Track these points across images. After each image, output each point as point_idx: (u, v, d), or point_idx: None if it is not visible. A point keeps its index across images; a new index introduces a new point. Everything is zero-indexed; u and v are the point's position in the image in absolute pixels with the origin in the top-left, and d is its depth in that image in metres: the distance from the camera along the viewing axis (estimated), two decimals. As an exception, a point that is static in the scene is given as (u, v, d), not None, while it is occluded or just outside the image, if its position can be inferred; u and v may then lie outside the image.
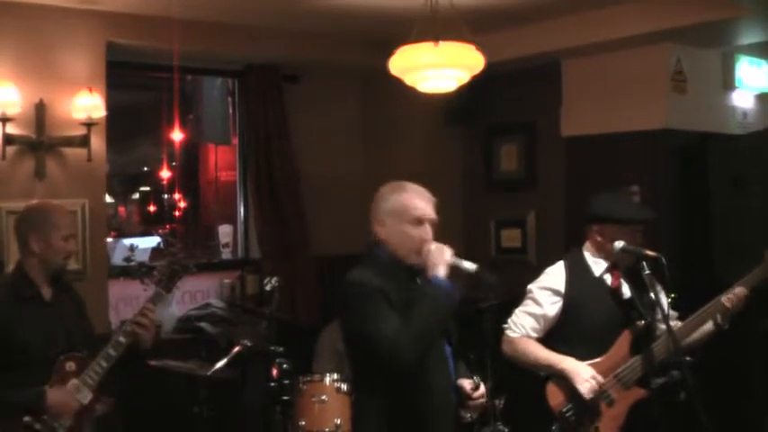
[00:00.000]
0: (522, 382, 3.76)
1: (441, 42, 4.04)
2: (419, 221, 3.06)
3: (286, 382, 4.59)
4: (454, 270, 3.03)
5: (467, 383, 3.21)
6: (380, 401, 3.00)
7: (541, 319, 3.77)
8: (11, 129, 4.87)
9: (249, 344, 4.57)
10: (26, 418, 3.40)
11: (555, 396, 3.69)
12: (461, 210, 6.90)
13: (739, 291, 3.70)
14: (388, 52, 4.20)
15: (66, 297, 3.74)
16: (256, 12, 5.36)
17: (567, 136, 6.13)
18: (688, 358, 3.51)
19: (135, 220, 9.75)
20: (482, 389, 3.21)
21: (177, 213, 8.79)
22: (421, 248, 3.03)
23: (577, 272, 3.77)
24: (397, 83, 4.39)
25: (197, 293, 6.20)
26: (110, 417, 3.72)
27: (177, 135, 7.39)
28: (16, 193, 4.88)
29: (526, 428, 3.84)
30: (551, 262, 3.90)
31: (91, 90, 5.05)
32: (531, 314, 3.77)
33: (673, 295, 3.71)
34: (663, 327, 3.72)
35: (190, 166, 8.91)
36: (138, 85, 7.39)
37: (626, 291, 3.74)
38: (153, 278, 3.80)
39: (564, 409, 3.66)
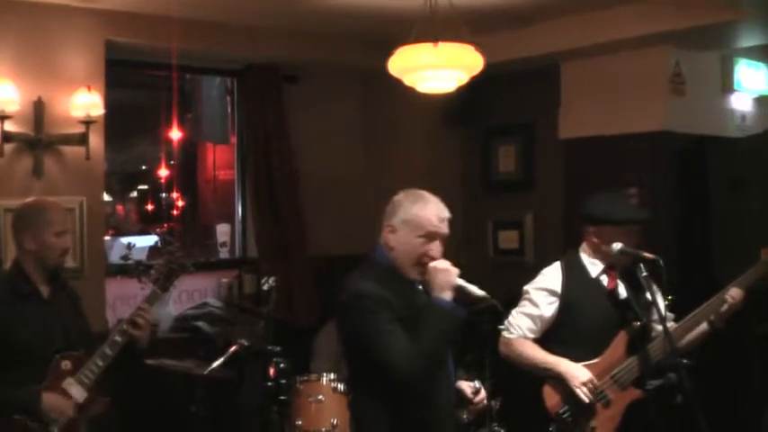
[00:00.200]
0: (518, 383, 3.76)
1: (440, 43, 4.04)
2: (431, 237, 3.02)
3: (283, 381, 4.58)
4: (458, 291, 3.01)
5: (466, 387, 3.21)
6: (383, 409, 2.99)
7: (538, 320, 3.77)
8: (9, 126, 4.87)
9: (246, 343, 4.56)
10: (17, 417, 3.40)
11: (551, 397, 3.70)
12: (459, 210, 6.87)
13: (734, 291, 3.71)
14: (388, 52, 4.20)
15: (63, 294, 3.74)
16: (256, 11, 5.36)
17: (565, 138, 6.13)
18: (685, 360, 3.52)
19: (133, 218, 9.73)
20: (482, 393, 3.22)
21: (175, 212, 8.76)
22: (425, 264, 3.01)
23: (574, 273, 3.78)
24: (397, 83, 4.39)
25: (194, 292, 6.20)
26: (105, 416, 3.71)
27: (176, 134, 7.37)
28: (14, 190, 4.87)
29: (523, 429, 3.84)
30: (549, 263, 3.91)
31: (89, 88, 5.05)
32: (527, 315, 3.77)
33: (670, 297, 3.71)
34: (659, 328, 3.73)
35: (188, 165, 8.89)
36: (136, 84, 7.37)
37: (622, 291, 3.75)
38: (150, 277, 3.80)
39: (560, 410, 3.67)
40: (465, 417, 3.30)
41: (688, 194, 5.65)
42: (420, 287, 3.08)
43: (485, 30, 5.44)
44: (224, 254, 6.64)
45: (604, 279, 3.77)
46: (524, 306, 3.80)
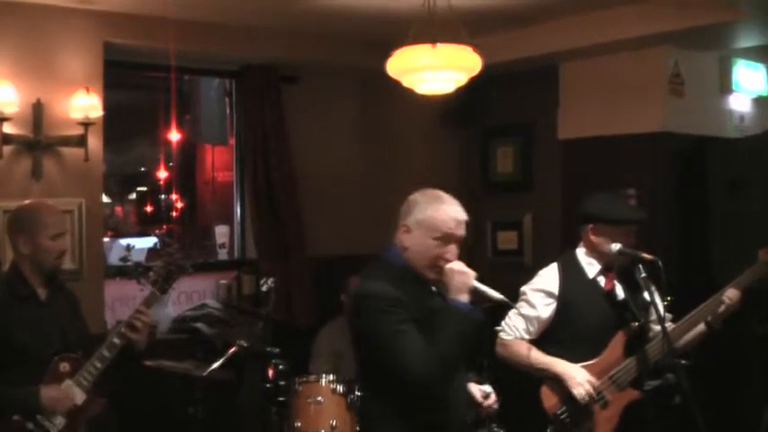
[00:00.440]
0: (516, 384, 3.76)
1: (438, 44, 4.04)
2: (447, 239, 2.98)
3: (282, 383, 4.58)
4: (474, 293, 2.97)
5: (476, 390, 3.19)
6: (394, 412, 2.95)
7: (535, 322, 3.77)
8: (8, 128, 4.86)
9: (245, 344, 4.57)
10: (15, 417, 3.39)
11: (549, 398, 3.69)
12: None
13: (732, 292, 3.71)
14: (386, 53, 4.20)
15: (60, 297, 3.74)
16: (254, 12, 5.36)
17: (563, 138, 6.13)
18: (683, 361, 3.52)
19: (132, 220, 9.73)
20: (493, 397, 3.21)
21: (174, 214, 8.76)
22: (440, 266, 2.97)
23: (571, 274, 3.78)
24: (395, 84, 4.39)
25: (193, 294, 6.20)
26: (104, 417, 3.71)
27: (174, 135, 7.37)
28: (13, 192, 4.87)
29: (521, 430, 3.84)
30: (547, 264, 3.91)
31: (88, 90, 5.04)
32: (524, 316, 3.77)
33: (669, 298, 3.71)
34: (656, 328, 3.73)
35: (187, 166, 8.89)
36: (135, 85, 7.37)
37: (620, 292, 3.75)
38: (149, 278, 3.79)
39: (558, 411, 3.67)
40: (467, 419, 3.29)
41: (687, 195, 5.65)
42: (434, 289, 3.05)
43: (483, 30, 5.44)
44: (223, 255, 6.64)
45: (602, 280, 3.77)
46: (521, 307, 3.79)
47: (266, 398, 4.61)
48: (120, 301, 5.67)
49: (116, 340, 3.60)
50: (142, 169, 9.65)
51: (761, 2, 4.71)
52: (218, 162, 8.53)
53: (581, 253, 3.83)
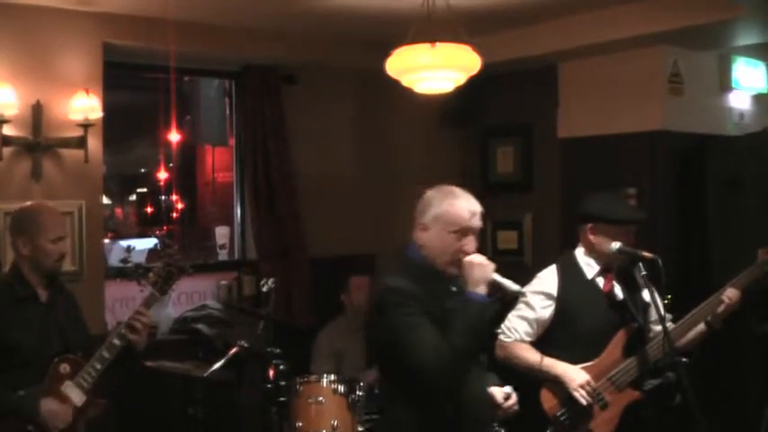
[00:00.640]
0: (516, 386, 3.75)
1: (437, 44, 4.04)
2: (464, 232, 2.98)
3: (282, 383, 4.58)
4: (492, 286, 2.96)
5: (497, 392, 3.18)
6: (412, 408, 2.94)
7: (534, 324, 3.77)
8: (7, 130, 4.86)
9: (246, 345, 4.56)
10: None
11: (549, 400, 3.69)
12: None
13: (731, 292, 3.71)
14: (386, 53, 4.20)
15: (60, 298, 3.74)
16: (253, 13, 5.36)
17: (563, 138, 6.14)
18: (684, 360, 3.52)
19: (132, 221, 9.75)
20: (513, 398, 3.19)
21: (174, 215, 8.78)
22: (460, 260, 2.96)
23: (569, 275, 3.77)
24: (395, 84, 4.39)
25: (193, 295, 6.20)
26: (104, 418, 3.71)
27: (174, 136, 7.38)
28: (13, 194, 4.87)
29: (521, 432, 3.84)
30: (547, 264, 3.90)
31: (87, 91, 5.04)
32: (524, 318, 3.77)
33: (669, 297, 3.72)
34: (656, 328, 3.73)
35: (187, 167, 8.92)
36: (135, 87, 7.38)
37: (618, 293, 3.75)
38: (149, 279, 3.79)
39: (558, 413, 3.66)
40: (485, 418, 3.27)
41: (687, 194, 5.66)
42: (454, 288, 3.03)
43: (482, 30, 5.44)
44: (223, 256, 6.65)
45: (600, 281, 3.76)
46: (521, 309, 3.79)
47: (267, 398, 4.61)
48: (121, 303, 5.67)
49: (116, 341, 3.60)
50: (142, 170, 9.66)
51: (760, 0, 4.71)
52: (219, 163, 8.55)
53: (580, 253, 3.83)
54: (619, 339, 3.67)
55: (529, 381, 3.72)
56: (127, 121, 7.52)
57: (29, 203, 3.93)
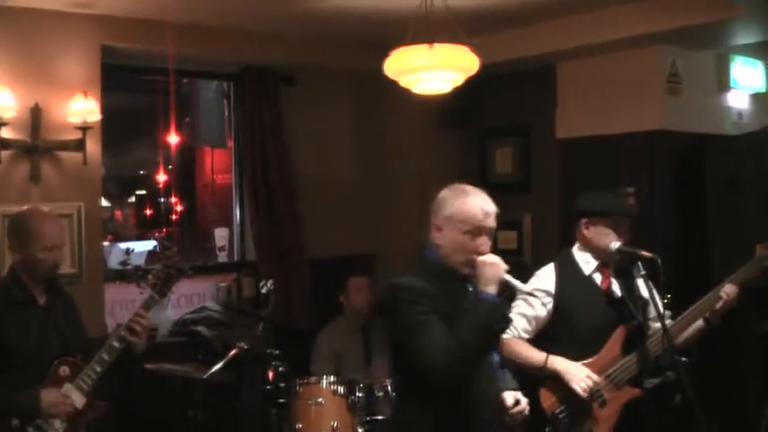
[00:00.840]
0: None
1: (435, 44, 4.04)
2: (477, 232, 2.98)
3: (282, 384, 4.58)
4: (503, 286, 2.96)
5: (508, 396, 3.17)
6: (425, 410, 2.93)
7: (533, 321, 3.78)
8: (6, 133, 4.86)
9: (245, 347, 4.56)
10: (14, 422, 3.39)
11: (548, 398, 3.69)
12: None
13: (729, 288, 3.72)
14: (384, 54, 4.20)
15: (59, 301, 3.74)
16: (252, 15, 5.36)
17: (562, 138, 6.13)
18: (684, 359, 3.52)
19: (131, 223, 9.75)
20: (523, 404, 3.19)
21: (173, 217, 8.78)
22: (474, 260, 2.96)
23: (567, 272, 3.79)
24: (393, 85, 4.39)
25: (193, 297, 6.20)
26: (104, 421, 3.71)
27: (173, 138, 7.38)
28: (12, 197, 4.88)
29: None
30: (547, 264, 3.91)
31: (86, 94, 5.05)
32: (522, 315, 3.78)
33: (668, 296, 3.72)
34: (654, 326, 3.73)
35: (186, 169, 8.91)
36: (133, 89, 7.38)
37: (616, 290, 3.75)
38: (148, 282, 3.79)
39: (557, 411, 3.66)
40: (495, 421, 3.25)
41: (685, 193, 5.66)
42: (471, 288, 3.02)
43: (480, 31, 5.44)
44: (222, 258, 6.65)
45: (598, 277, 3.77)
46: (519, 307, 3.80)
47: (267, 400, 4.61)
48: (120, 305, 5.67)
49: (115, 344, 3.60)
50: (141, 172, 9.67)
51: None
52: (218, 165, 8.54)
53: (576, 250, 3.85)
54: (618, 336, 3.68)
55: (527, 378, 3.72)
56: (126, 124, 7.53)
57: (27, 208, 3.92)
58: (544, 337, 3.77)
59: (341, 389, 4.60)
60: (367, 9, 5.21)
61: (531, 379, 3.71)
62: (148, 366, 4.41)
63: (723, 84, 6.05)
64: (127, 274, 4.43)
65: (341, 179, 6.61)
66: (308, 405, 4.54)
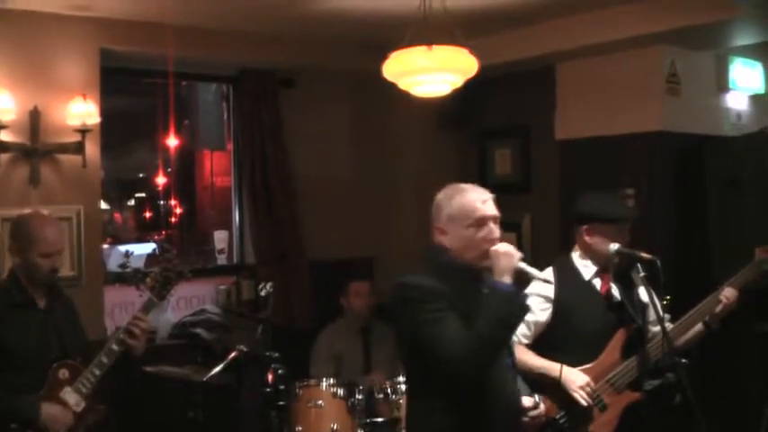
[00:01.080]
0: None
1: (434, 46, 4.03)
2: (481, 222, 2.97)
3: (282, 387, 4.57)
4: (519, 275, 2.93)
5: (525, 400, 3.15)
6: (440, 405, 2.91)
7: (532, 326, 3.76)
8: (5, 136, 4.87)
9: (245, 349, 4.56)
10: (13, 425, 3.39)
11: (547, 403, 3.67)
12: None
13: (729, 292, 3.71)
14: (382, 57, 4.20)
15: (59, 304, 3.74)
16: (250, 17, 5.36)
17: (561, 139, 6.13)
18: (683, 360, 3.51)
19: (130, 226, 9.75)
20: (541, 408, 3.17)
21: (173, 219, 8.78)
22: (487, 250, 2.93)
23: (566, 277, 3.76)
24: (392, 87, 4.39)
25: (192, 299, 6.20)
26: (103, 424, 3.71)
27: (172, 141, 7.38)
28: (11, 200, 4.88)
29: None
30: (546, 265, 3.89)
31: (85, 97, 5.05)
32: (522, 321, 3.76)
33: (668, 297, 3.71)
34: (654, 329, 3.72)
35: (185, 171, 8.91)
36: (132, 92, 7.38)
37: (616, 294, 3.74)
38: (147, 285, 3.79)
39: (557, 416, 3.65)
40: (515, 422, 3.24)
41: (685, 194, 5.65)
42: (486, 291, 2.98)
43: (479, 32, 5.45)
44: (222, 260, 6.65)
45: (597, 282, 3.76)
46: None
47: (266, 402, 4.60)
48: (120, 308, 5.68)
49: (114, 347, 3.60)
50: (141, 175, 9.66)
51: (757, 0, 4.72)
52: (217, 167, 8.55)
53: (576, 256, 3.82)
54: (617, 341, 3.67)
55: (528, 384, 3.71)
56: (125, 127, 7.53)
57: (28, 212, 3.92)
58: (544, 341, 3.75)
59: (341, 391, 4.60)
60: (365, 11, 5.21)
61: (531, 384, 3.70)
62: (148, 369, 4.41)
63: (722, 85, 6.04)
64: (126, 277, 4.44)
65: (340, 181, 6.61)
66: (307, 407, 4.55)
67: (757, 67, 6.31)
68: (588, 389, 3.58)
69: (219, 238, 6.69)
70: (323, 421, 4.52)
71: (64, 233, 4.07)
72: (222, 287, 6.26)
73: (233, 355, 4.54)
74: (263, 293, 4.73)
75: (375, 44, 4.61)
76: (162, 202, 9.02)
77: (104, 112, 5.25)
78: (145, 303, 3.74)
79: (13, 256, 3.64)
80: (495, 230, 2.98)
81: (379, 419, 4.60)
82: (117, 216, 9.66)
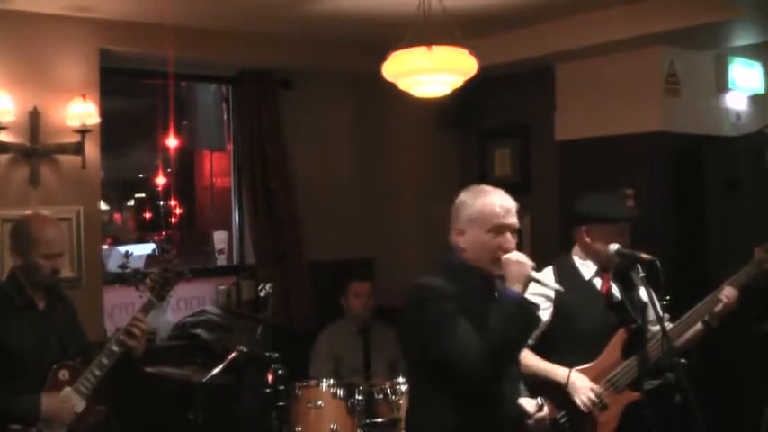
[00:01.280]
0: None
1: (434, 47, 4.04)
2: (499, 230, 2.95)
3: (282, 387, 4.58)
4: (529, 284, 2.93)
5: (528, 403, 3.16)
6: (448, 408, 2.91)
7: None
8: (5, 137, 4.87)
9: (245, 350, 4.56)
10: (15, 426, 3.39)
11: (548, 404, 3.67)
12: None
13: (729, 291, 3.71)
14: (382, 57, 4.20)
15: (59, 306, 3.74)
16: (250, 18, 5.36)
17: (561, 140, 6.13)
18: (683, 360, 3.51)
19: (130, 226, 9.74)
20: (545, 410, 3.18)
21: (173, 220, 8.78)
22: (500, 258, 2.92)
23: (566, 276, 3.75)
24: (391, 88, 4.39)
25: (192, 300, 6.20)
26: (104, 425, 3.71)
27: (172, 141, 7.37)
28: (11, 200, 4.89)
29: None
30: (546, 266, 3.89)
31: (84, 97, 5.05)
32: None
33: (668, 297, 3.71)
34: (654, 329, 3.72)
35: (185, 172, 8.91)
36: (132, 92, 7.38)
37: (616, 293, 3.74)
38: (147, 285, 3.80)
39: (558, 416, 3.65)
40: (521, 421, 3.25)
41: (684, 194, 5.65)
42: (497, 294, 3.00)
43: (478, 33, 5.45)
44: (221, 261, 6.64)
45: (597, 282, 3.75)
46: None
47: (266, 403, 4.61)
48: (120, 308, 5.68)
49: (114, 347, 3.61)
50: (140, 176, 9.65)
51: (756, 0, 4.72)
52: (217, 168, 8.54)
53: (576, 255, 3.82)
54: (617, 340, 3.66)
55: (528, 385, 3.71)
56: (125, 127, 7.52)
57: (30, 214, 3.92)
58: (544, 342, 3.75)
59: (340, 392, 4.60)
60: (365, 12, 5.21)
61: (530, 386, 3.70)
62: (148, 369, 4.41)
63: (722, 85, 6.04)
64: (126, 278, 4.45)
65: (340, 182, 6.62)
66: (307, 408, 4.55)
67: (756, 68, 6.31)
68: (591, 393, 3.58)
69: (219, 238, 6.69)
70: (322, 422, 4.52)
71: (65, 235, 4.07)
72: (222, 288, 6.26)
73: (233, 355, 4.55)
74: (262, 294, 4.74)
75: (375, 45, 4.61)
76: (162, 203, 9.01)
77: (104, 113, 5.26)
78: (144, 304, 3.74)
79: (15, 258, 3.64)
80: (512, 241, 2.97)
81: (379, 420, 4.61)
82: (117, 217, 9.65)
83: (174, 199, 8.67)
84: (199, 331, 5.77)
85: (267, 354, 4.61)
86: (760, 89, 6.34)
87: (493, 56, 5.47)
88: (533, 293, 3.70)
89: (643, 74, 5.60)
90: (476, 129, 6.90)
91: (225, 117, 6.77)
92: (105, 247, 6.63)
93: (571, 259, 3.81)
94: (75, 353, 3.66)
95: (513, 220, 2.99)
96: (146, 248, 6.67)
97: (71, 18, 5.08)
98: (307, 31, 5.76)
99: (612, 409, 3.63)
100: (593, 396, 3.58)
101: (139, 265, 6.27)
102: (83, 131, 5.05)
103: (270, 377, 4.57)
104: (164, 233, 8.90)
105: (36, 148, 4.99)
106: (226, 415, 5.26)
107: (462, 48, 4.15)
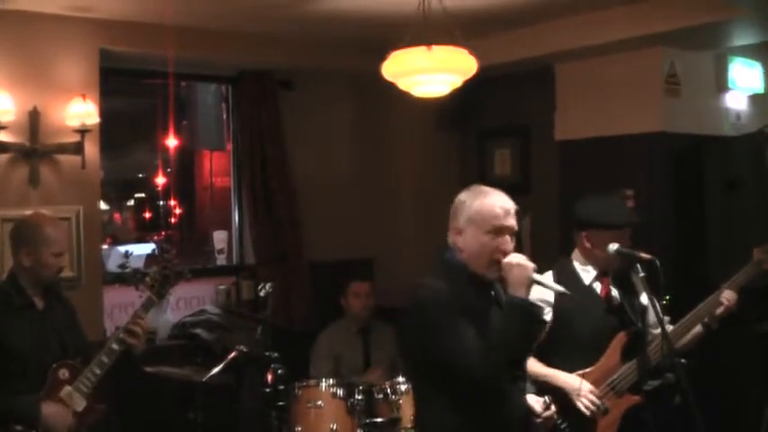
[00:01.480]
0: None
1: (433, 47, 4.04)
2: (498, 232, 2.93)
3: (281, 387, 4.58)
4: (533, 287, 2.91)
5: (535, 402, 3.16)
6: (453, 410, 2.90)
7: None
8: (4, 136, 4.87)
9: (244, 349, 4.56)
10: (18, 427, 3.40)
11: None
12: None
13: (729, 293, 3.71)
14: (382, 57, 4.20)
15: (58, 306, 3.75)
16: (250, 18, 5.36)
17: (561, 140, 6.13)
18: (683, 361, 3.51)
19: (130, 226, 9.74)
20: (552, 409, 3.17)
21: (172, 220, 8.77)
22: (498, 260, 2.91)
23: (566, 281, 3.72)
24: (391, 88, 4.39)
25: (192, 300, 6.20)
26: (104, 424, 3.71)
27: (172, 141, 7.37)
28: (10, 200, 4.89)
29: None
30: (546, 266, 3.88)
31: (84, 97, 5.05)
32: None
33: (668, 298, 3.70)
34: (654, 332, 3.72)
35: (185, 172, 8.90)
36: (132, 92, 7.38)
37: (616, 296, 3.73)
38: (146, 284, 3.80)
39: (558, 422, 3.63)
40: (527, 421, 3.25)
41: (684, 195, 5.65)
42: (493, 293, 3.00)
43: (478, 33, 5.45)
44: (221, 261, 6.65)
45: (597, 286, 3.74)
46: None
47: (266, 403, 4.61)
48: (119, 308, 5.68)
49: (115, 346, 3.61)
50: (140, 176, 9.65)
51: (756, 0, 4.72)
52: (217, 168, 8.53)
53: (576, 260, 3.80)
54: (617, 344, 3.65)
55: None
56: (124, 127, 7.52)
57: (33, 213, 3.92)
58: (545, 346, 3.73)
59: (340, 391, 4.60)
60: (365, 12, 5.21)
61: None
62: (148, 369, 4.41)
63: (721, 85, 6.04)
64: (126, 277, 4.44)
65: (340, 182, 6.62)
66: (307, 408, 4.55)
67: (756, 67, 6.31)
68: (592, 397, 3.57)
69: (219, 238, 6.69)
70: (322, 422, 4.52)
71: (66, 234, 4.10)
72: (222, 287, 6.26)
73: (233, 355, 4.54)
74: (262, 294, 4.74)
75: (374, 45, 4.61)
76: (161, 203, 9.00)
77: (104, 113, 5.26)
78: (144, 302, 3.75)
79: (23, 259, 3.63)
80: (510, 243, 2.95)
81: (379, 420, 4.60)
82: (116, 216, 9.64)
83: (174, 199, 8.66)
84: (199, 331, 5.77)
85: (267, 354, 4.61)
86: (760, 89, 6.34)
87: (493, 56, 5.47)
88: (533, 299, 3.71)
89: (643, 74, 5.60)
90: (476, 129, 6.90)
91: (225, 117, 6.77)
92: (105, 246, 6.63)
93: (571, 264, 3.80)
94: (75, 353, 3.66)
95: (512, 221, 2.97)
96: (145, 248, 6.66)
97: (71, 18, 5.08)
98: (307, 31, 5.76)
99: (613, 413, 3.62)
100: (595, 400, 3.57)
101: (139, 264, 6.27)
102: (82, 131, 5.06)
103: (270, 377, 4.57)
104: (163, 233, 8.90)
105: (36, 147, 4.99)
106: (226, 415, 5.26)
107: (462, 48, 4.15)
